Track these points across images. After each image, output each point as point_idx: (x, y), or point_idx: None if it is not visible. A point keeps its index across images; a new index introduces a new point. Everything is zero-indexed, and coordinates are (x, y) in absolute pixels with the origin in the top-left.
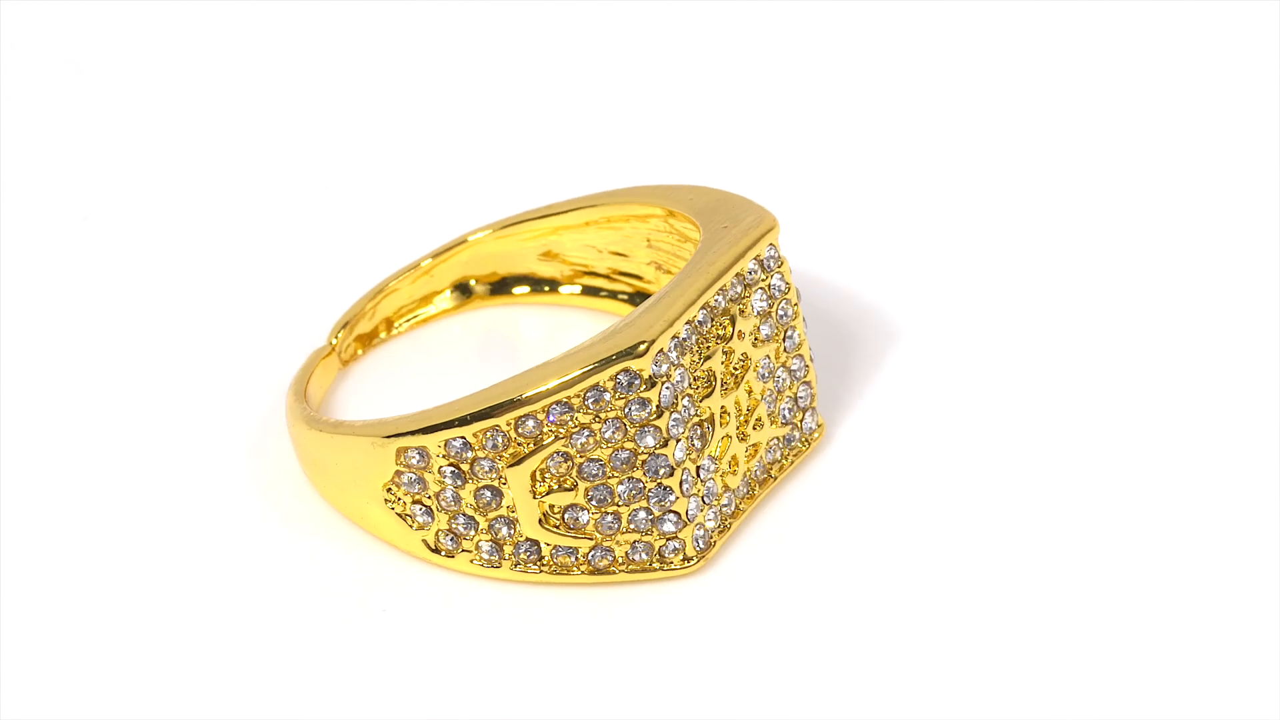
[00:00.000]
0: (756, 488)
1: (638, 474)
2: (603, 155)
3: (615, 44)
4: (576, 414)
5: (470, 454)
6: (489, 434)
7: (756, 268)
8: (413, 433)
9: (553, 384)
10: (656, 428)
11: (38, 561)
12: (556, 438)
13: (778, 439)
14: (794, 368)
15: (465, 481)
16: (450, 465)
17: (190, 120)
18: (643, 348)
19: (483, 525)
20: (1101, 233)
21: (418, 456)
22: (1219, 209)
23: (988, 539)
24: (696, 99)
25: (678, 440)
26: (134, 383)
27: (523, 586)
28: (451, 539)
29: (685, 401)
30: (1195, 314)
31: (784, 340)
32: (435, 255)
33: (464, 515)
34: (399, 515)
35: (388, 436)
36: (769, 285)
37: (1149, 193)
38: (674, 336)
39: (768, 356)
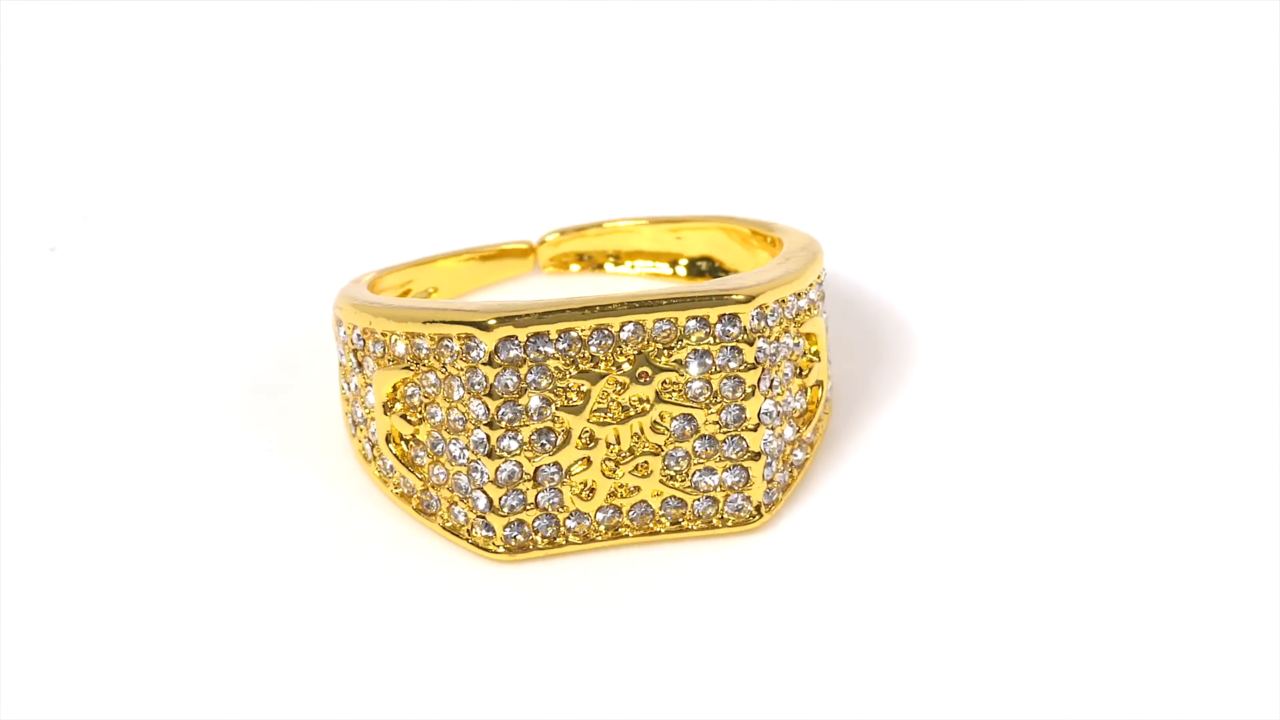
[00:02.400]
0: (629, 531)
1: (463, 439)
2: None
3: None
4: (429, 356)
5: (363, 346)
6: (371, 334)
7: (701, 329)
8: (343, 307)
9: (416, 315)
10: (486, 406)
11: (40, 507)
12: (410, 368)
13: (676, 500)
14: (725, 442)
15: (360, 371)
16: (350, 351)
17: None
18: (491, 322)
19: (365, 421)
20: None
21: (341, 331)
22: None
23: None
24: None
25: (508, 431)
26: (139, 353)
27: (370, 500)
28: (353, 422)
29: (536, 399)
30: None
31: (721, 412)
32: (685, 219)
33: (360, 406)
34: (341, 383)
35: (340, 302)
36: (716, 353)
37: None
38: (539, 334)
39: (688, 416)
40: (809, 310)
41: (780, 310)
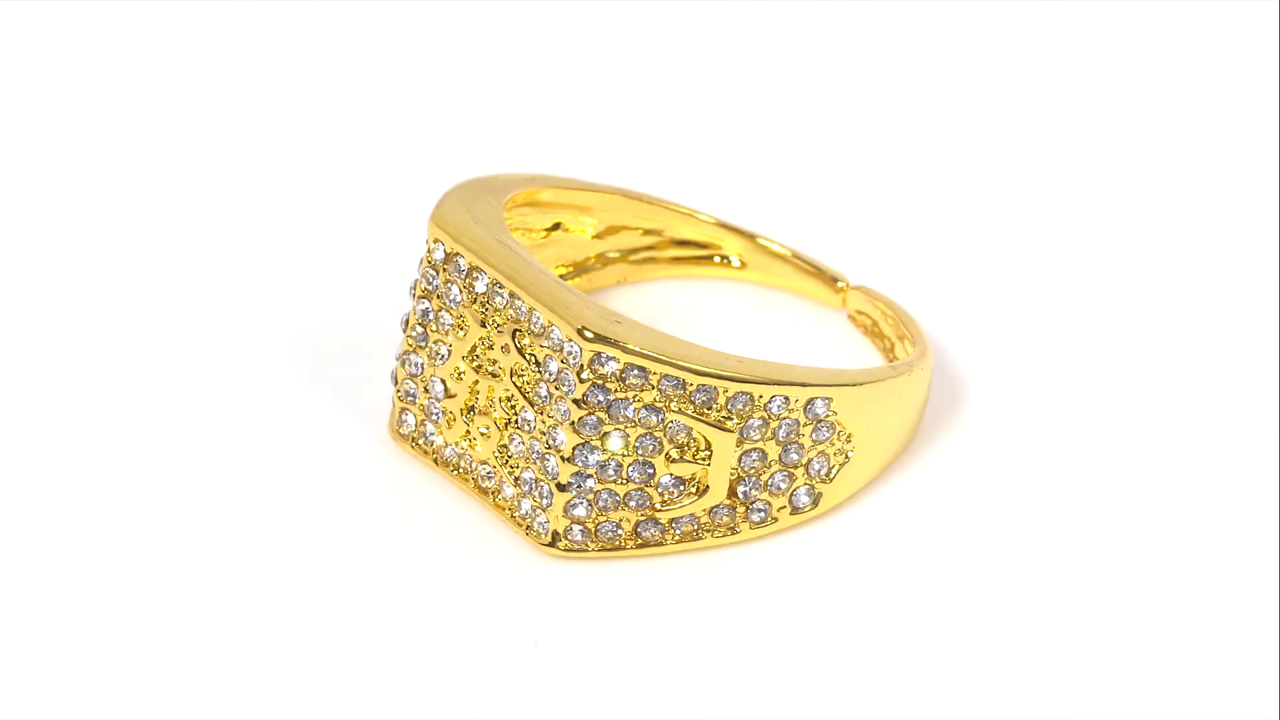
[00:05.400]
0: (470, 481)
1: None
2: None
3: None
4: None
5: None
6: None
7: (556, 339)
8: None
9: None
10: (413, 292)
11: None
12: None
13: (508, 482)
14: (545, 453)
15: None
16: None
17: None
18: (434, 227)
19: None
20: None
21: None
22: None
23: None
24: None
25: (421, 325)
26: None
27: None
28: None
29: (445, 314)
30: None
31: (548, 428)
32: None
33: None
34: None
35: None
36: (561, 370)
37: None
38: (456, 256)
39: (529, 411)
40: (712, 416)
41: (649, 379)
